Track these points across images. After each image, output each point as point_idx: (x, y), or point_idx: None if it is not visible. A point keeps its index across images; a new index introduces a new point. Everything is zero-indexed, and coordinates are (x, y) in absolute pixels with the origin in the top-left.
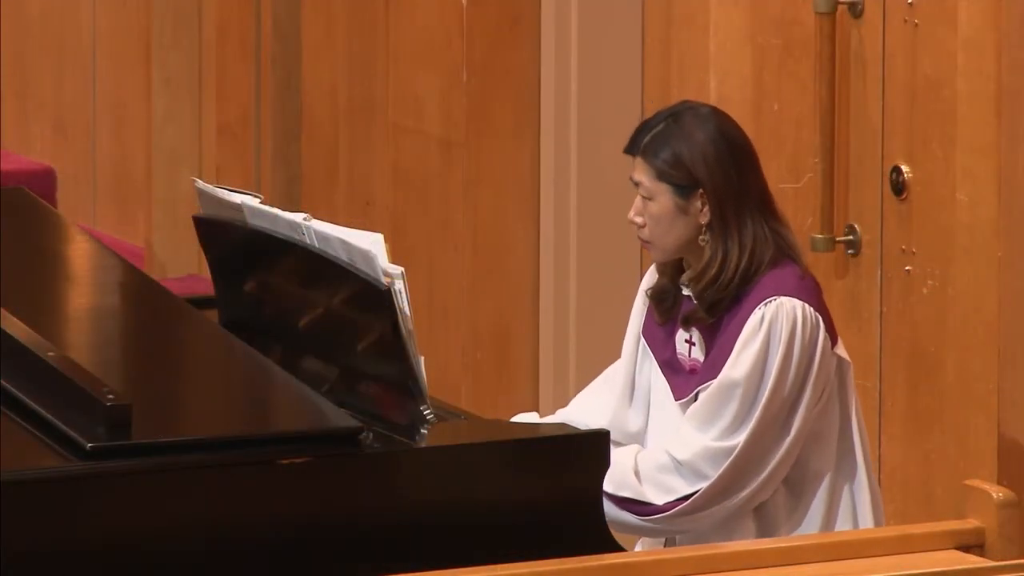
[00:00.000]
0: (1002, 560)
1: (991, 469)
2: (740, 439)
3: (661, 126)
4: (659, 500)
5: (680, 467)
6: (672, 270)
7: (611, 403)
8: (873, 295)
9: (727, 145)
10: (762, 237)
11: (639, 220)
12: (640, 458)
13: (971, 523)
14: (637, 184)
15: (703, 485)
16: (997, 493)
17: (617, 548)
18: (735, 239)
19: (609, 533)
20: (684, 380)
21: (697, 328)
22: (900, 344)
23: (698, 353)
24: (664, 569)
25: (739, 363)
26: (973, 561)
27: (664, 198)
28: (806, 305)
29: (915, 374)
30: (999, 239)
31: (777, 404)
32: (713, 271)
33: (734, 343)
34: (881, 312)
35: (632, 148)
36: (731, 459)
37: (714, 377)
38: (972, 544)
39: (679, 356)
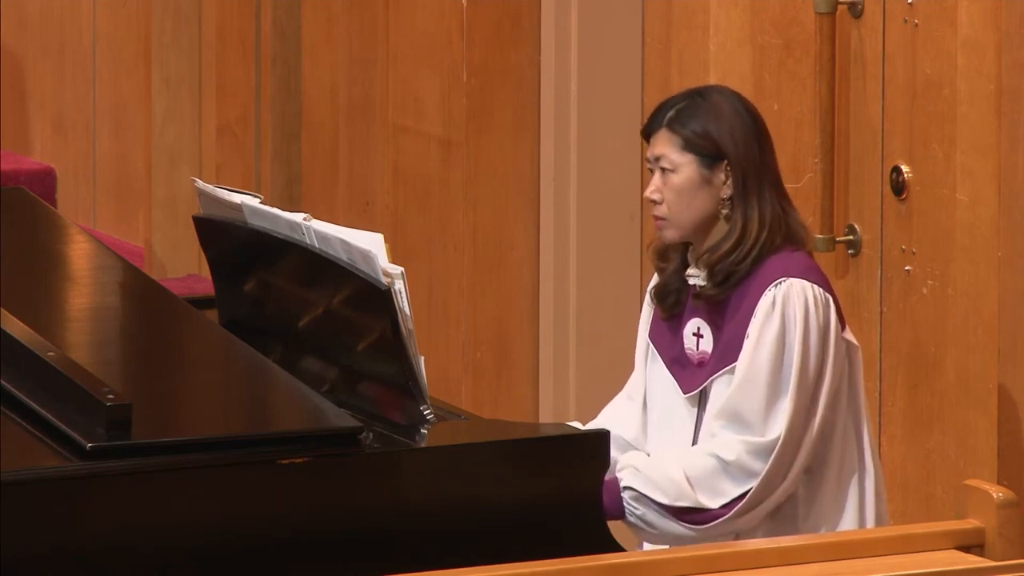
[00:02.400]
0: (1002, 560)
1: (991, 469)
2: (779, 431)
3: (686, 101)
4: (713, 505)
5: (728, 468)
6: (678, 263)
7: (638, 415)
8: (873, 295)
9: (752, 121)
10: (778, 215)
11: (657, 197)
12: (687, 465)
13: (971, 523)
14: (657, 159)
15: (754, 482)
16: (997, 493)
17: (617, 548)
18: (755, 212)
19: (609, 533)
20: (691, 373)
21: (703, 318)
22: (900, 344)
23: (706, 345)
24: (664, 569)
25: (759, 352)
26: (973, 561)
27: (689, 168)
28: (815, 286)
29: (915, 374)
30: (999, 239)
31: (804, 388)
32: (732, 242)
33: (743, 328)
34: (881, 312)
35: (653, 124)
36: (774, 453)
37: (726, 365)
38: (972, 544)
39: (687, 351)
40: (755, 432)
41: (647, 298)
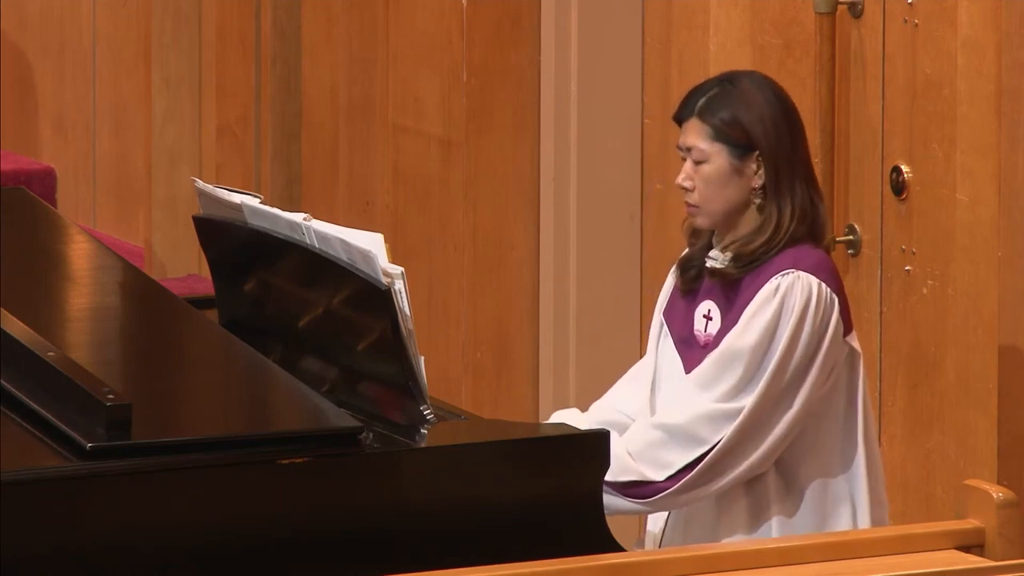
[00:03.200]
0: (1002, 560)
1: (991, 469)
2: (745, 402)
3: (716, 89)
4: (659, 477)
5: (674, 435)
6: (707, 240)
7: (644, 394)
8: (873, 295)
9: (783, 110)
10: (807, 207)
11: (688, 184)
12: (628, 439)
13: (971, 523)
14: (688, 149)
15: (701, 451)
16: (997, 493)
17: (617, 548)
18: (788, 206)
19: (609, 533)
20: (696, 354)
21: (715, 300)
22: (900, 344)
23: (713, 328)
24: (664, 569)
25: (748, 330)
26: (973, 561)
27: (720, 159)
28: (823, 284)
29: (915, 374)
30: (999, 239)
31: (783, 375)
32: (767, 236)
33: None
34: (881, 312)
35: (684, 112)
36: (737, 423)
37: None
38: (972, 544)
39: (696, 332)
40: (720, 398)
41: (671, 272)
